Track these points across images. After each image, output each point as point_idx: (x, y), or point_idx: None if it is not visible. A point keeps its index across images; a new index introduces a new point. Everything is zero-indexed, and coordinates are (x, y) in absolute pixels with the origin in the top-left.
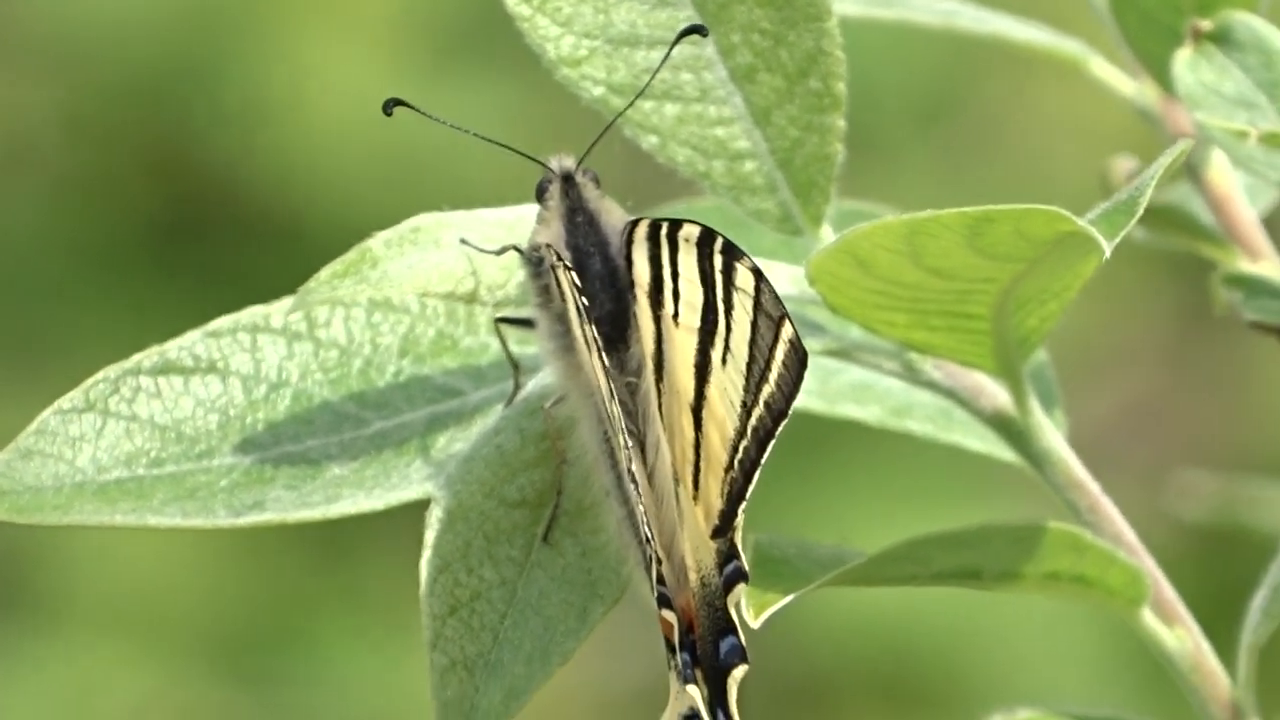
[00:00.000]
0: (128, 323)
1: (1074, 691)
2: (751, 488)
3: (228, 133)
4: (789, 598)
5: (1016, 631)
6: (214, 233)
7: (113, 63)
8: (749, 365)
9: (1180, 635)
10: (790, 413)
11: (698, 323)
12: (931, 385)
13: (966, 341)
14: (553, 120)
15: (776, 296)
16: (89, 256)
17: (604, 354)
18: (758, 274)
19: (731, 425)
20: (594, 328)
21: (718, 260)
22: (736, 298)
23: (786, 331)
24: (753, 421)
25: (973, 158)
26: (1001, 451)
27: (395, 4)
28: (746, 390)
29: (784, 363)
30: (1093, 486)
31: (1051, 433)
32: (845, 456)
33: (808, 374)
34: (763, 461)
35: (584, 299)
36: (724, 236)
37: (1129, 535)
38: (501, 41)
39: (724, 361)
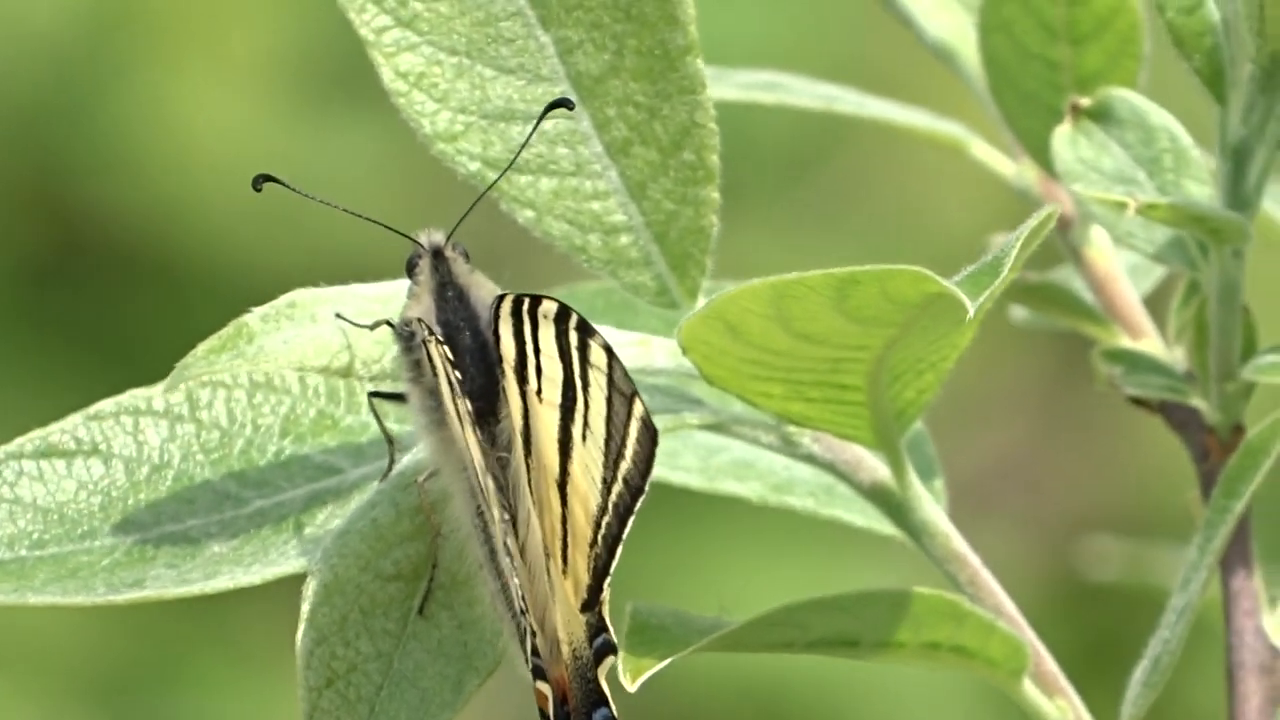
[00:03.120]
0: None
1: None
2: (615, 562)
3: (99, 175)
4: (664, 662)
5: (897, 693)
6: (84, 279)
7: None
8: (607, 442)
9: (1061, 706)
10: (647, 489)
11: (559, 399)
12: (810, 459)
13: (843, 414)
14: (433, 164)
15: (627, 374)
16: None
17: (476, 428)
18: (609, 352)
19: (594, 501)
20: (466, 402)
21: (573, 337)
22: (592, 374)
23: (638, 409)
24: (613, 497)
25: (847, 219)
26: (883, 525)
27: (269, 42)
28: (606, 466)
29: (638, 439)
30: (973, 559)
31: (930, 505)
32: (728, 529)
33: (684, 457)
34: (624, 536)
35: (456, 372)
36: (578, 314)
37: (1009, 606)
38: (378, 80)
39: (584, 438)
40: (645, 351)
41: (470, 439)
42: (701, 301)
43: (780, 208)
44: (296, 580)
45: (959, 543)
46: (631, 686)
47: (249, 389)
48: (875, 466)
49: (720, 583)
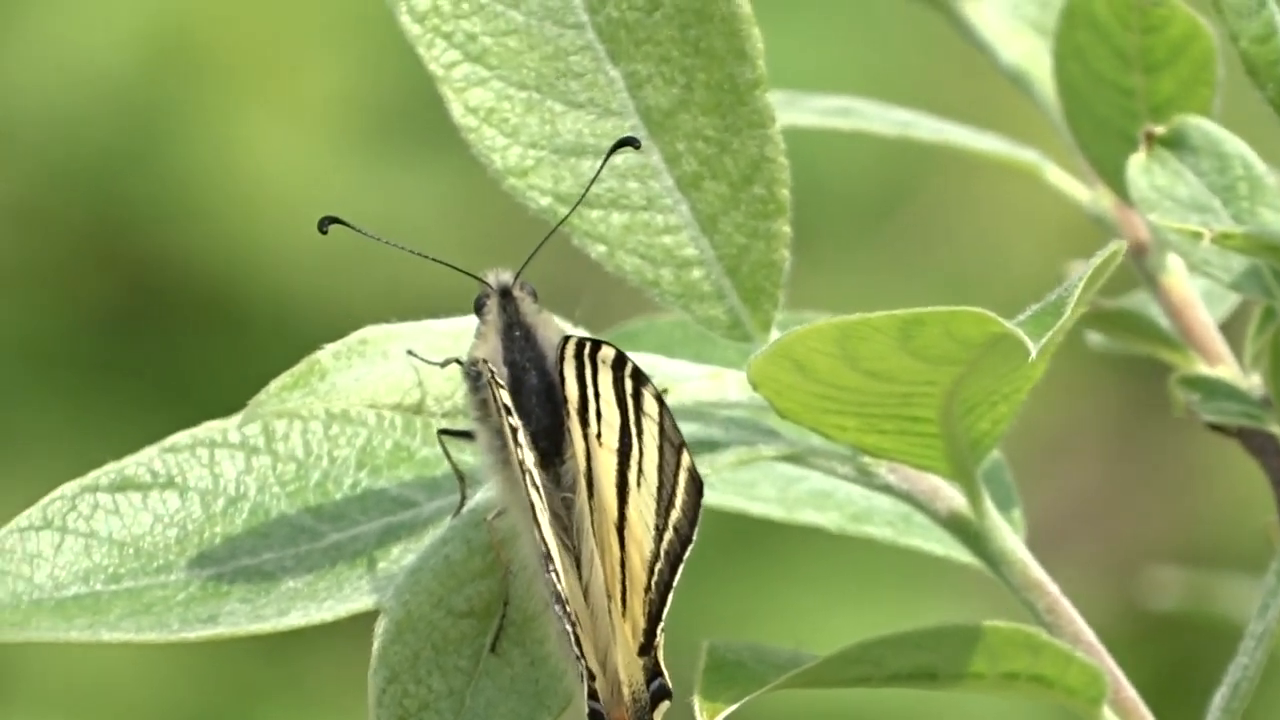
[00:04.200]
0: (66, 421)
1: None
2: (666, 609)
3: (170, 220)
4: (741, 701)
5: (977, 717)
6: (152, 326)
7: (52, 149)
8: (659, 489)
9: None
10: (695, 539)
11: (617, 444)
12: (887, 489)
13: (918, 445)
14: (501, 201)
15: (675, 425)
16: (25, 347)
17: (535, 474)
18: (660, 401)
19: (648, 547)
20: (525, 451)
21: (628, 384)
22: (645, 423)
23: (685, 460)
24: (664, 545)
25: (925, 255)
26: (960, 554)
27: (337, 85)
28: (658, 513)
29: (685, 490)
30: (1051, 587)
31: (1008, 534)
32: (805, 560)
33: (763, 488)
34: (674, 583)
35: (516, 419)
36: (633, 361)
37: (1087, 634)
38: (449, 120)
39: (639, 484)
40: (719, 385)
41: (530, 488)
42: (775, 335)
43: (852, 247)
44: (366, 621)
45: (1036, 570)
46: None
47: (325, 421)
48: (952, 496)
49: (796, 615)
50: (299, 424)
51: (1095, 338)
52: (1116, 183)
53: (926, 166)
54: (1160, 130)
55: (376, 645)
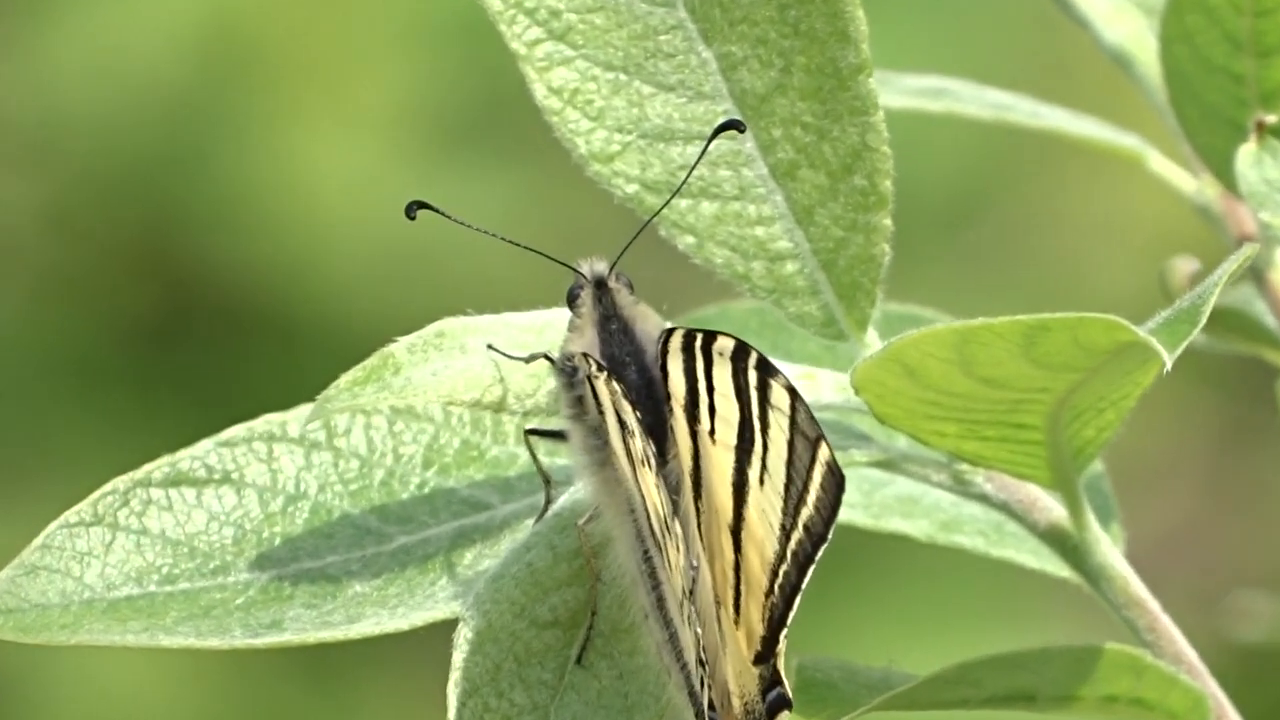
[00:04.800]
0: (106, 435)
1: None
2: (792, 613)
3: (219, 229)
4: None
5: None
6: (201, 336)
7: (98, 155)
8: (787, 486)
9: None
10: (830, 537)
11: (734, 440)
12: (983, 498)
13: (1020, 453)
14: (563, 214)
15: (812, 417)
16: (68, 360)
17: (654, 464)
18: (793, 393)
19: (771, 548)
20: (648, 444)
21: (752, 376)
22: (772, 416)
23: (823, 454)
24: (792, 545)
25: (1005, 259)
26: (1056, 567)
27: (396, 92)
28: (785, 512)
29: (821, 485)
30: (1152, 604)
31: (1108, 548)
32: (893, 573)
33: (847, 493)
34: (803, 587)
35: (632, 412)
36: (758, 352)
37: (1190, 655)
38: (509, 130)
39: (761, 482)
40: (813, 385)
41: (649, 483)
42: (871, 334)
43: (929, 245)
44: (417, 649)
45: (1138, 587)
46: None
47: (389, 416)
48: (1050, 506)
49: (878, 631)
50: (361, 419)
51: (1199, 337)
52: (1224, 173)
53: (1010, 162)
54: (1272, 119)
55: (456, 656)
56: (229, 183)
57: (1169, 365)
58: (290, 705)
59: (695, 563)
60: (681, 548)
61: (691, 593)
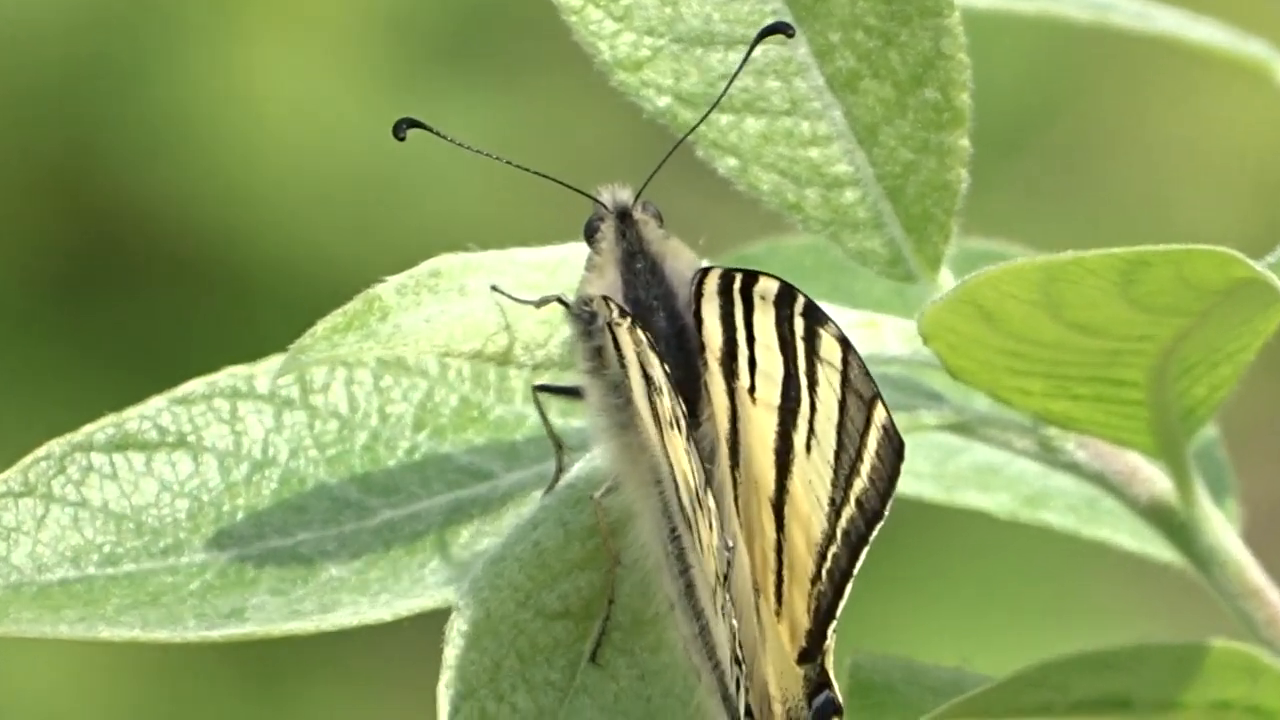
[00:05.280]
0: (24, 394)
1: None
2: (843, 602)
3: (152, 157)
4: None
5: None
6: (131, 284)
7: (11, 71)
8: (837, 454)
9: None
10: (886, 514)
11: (777, 399)
12: (1074, 468)
13: (1118, 414)
14: (560, 144)
15: (867, 372)
16: None
17: (684, 428)
18: (845, 344)
19: (818, 527)
20: (678, 402)
21: (798, 324)
22: (821, 371)
23: (879, 416)
24: (843, 523)
25: (1073, 191)
26: (1159, 549)
27: (357, 3)
28: (835, 484)
29: (877, 453)
30: (1272, 594)
31: (1221, 527)
32: (967, 556)
33: (915, 461)
34: (855, 571)
35: (660, 366)
36: (805, 296)
37: None
38: (488, 46)
39: (808, 448)
40: (874, 335)
41: (679, 448)
42: (945, 274)
43: (999, 172)
44: (380, 650)
45: (1256, 574)
46: None
47: (374, 369)
48: (1154, 478)
49: (949, 624)
50: (341, 373)
51: None
52: None
53: (1081, 75)
54: None
55: (449, 652)
56: (163, 105)
57: None
58: (227, 712)
59: (731, 543)
60: (715, 525)
61: (726, 578)
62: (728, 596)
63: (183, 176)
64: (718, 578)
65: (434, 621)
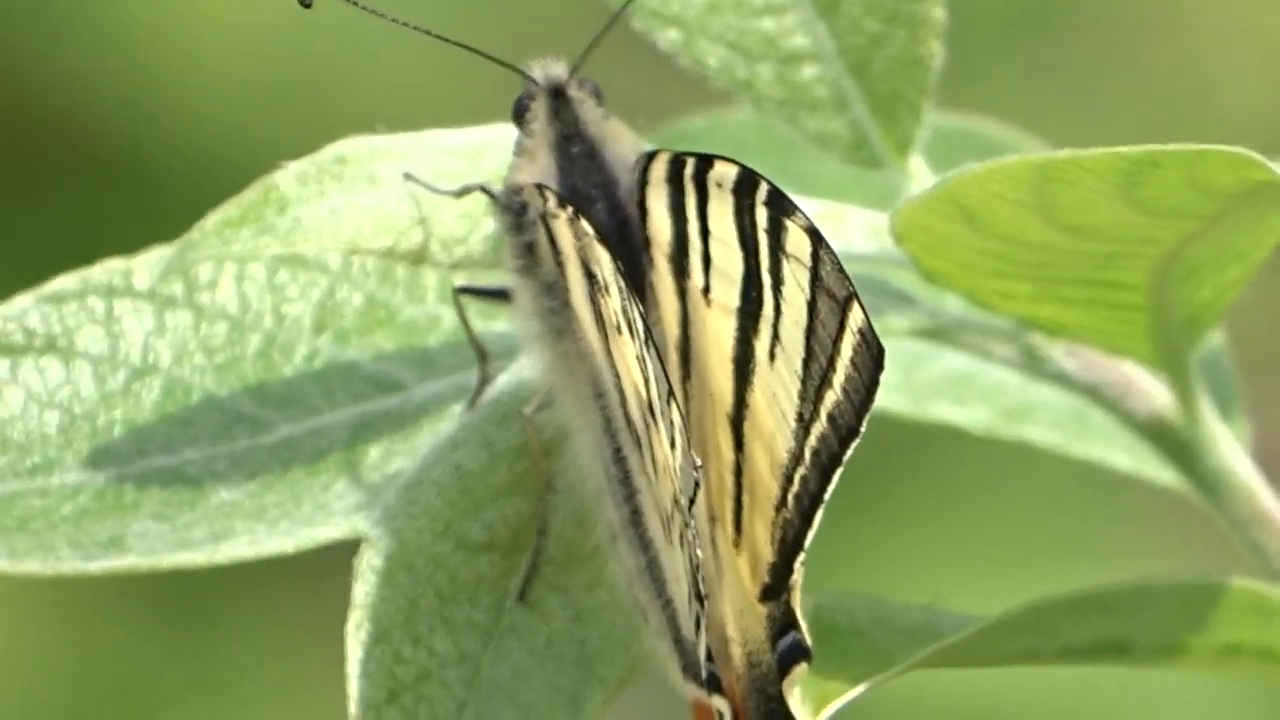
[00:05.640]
0: None
1: None
2: (812, 533)
3: (51, 36)
4: (861, 687)
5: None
6: (30, 173)
7: None
8: (806, 363)
9: None
10: (863, 430)
11: (736, 301)
12: (1061, 379)
13: (1113, 320)
14: (502, 20)
15: (841, 269)
16: None
17: (650, 344)
18: (815, 238)
19: (784, 446)
20: (634, 304)
21: (761, 215)
22: (787, 269)
23: (855, 319)
24: (812, 441)
25: (1088, 73)
26: (1158, 471)
27: None
28: (803, 398)
29: (853, 361)
30: None
31: (1229, 446)
32: (939, 478)
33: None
34: (826, 497)
35: (608, 259)
36: (770, 182)
37: None
38: None
39: (772, 356)
40: (838, 229)
41: (629, 356)
42: (915, 161)
43: (1004, 54)
44: (339, 552)
45: (1268, 499)
46: (800, 716)
47: (268, 264)
48: (1152, 391)
49: (926, 560)
50: (231, 268)
51: None
52: None
53: None
54: None
55: (358, 589)
56: None
57: None
58: (132, 654)
59: (699, 461)
60: (680, 441)
61: (693, 502)
62: (692, 524)
63: (83, 60)
64: (676, 502)
65: (345, 555)
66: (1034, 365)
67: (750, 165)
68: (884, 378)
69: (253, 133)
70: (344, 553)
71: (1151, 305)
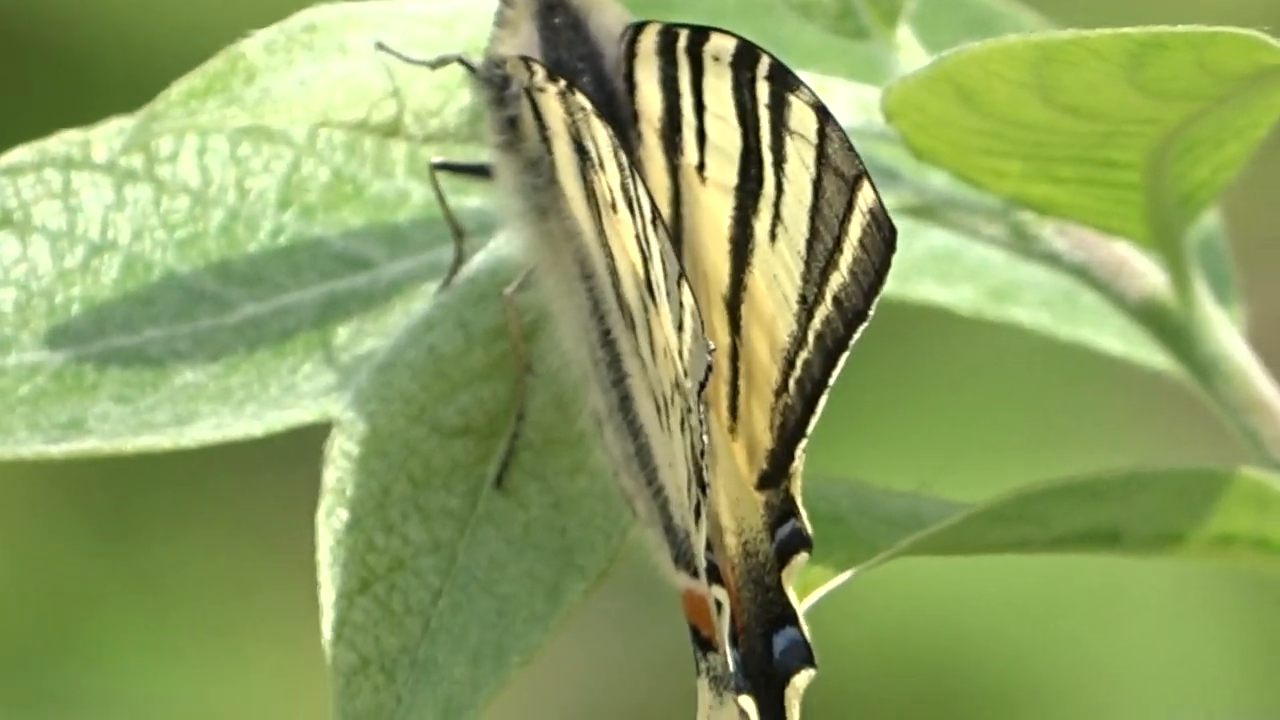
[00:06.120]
0: None
1: (1221, 706)
2: (815, 419)
3: None
4: (845, 575)
5: (1131, 623)
6: None
7: None
8: (810, 243)
9: None
10: (871, 313)
11: (734, 179)
12: (1051, 258)
13: (1107, 198)
14: None
15: (850, 147)
16: None
17: (660, 223)
18: (822, 113)
19: (785, 329)
20: (635, 178)
21: (762, 90)
22: (791, 146)
23: (865, 198)
24: (816, 324)
25: None
26: (1151, 354)
27: None
28: (807, 279)
29: (861, 242)
30: None
31: (1225, 330)
32: (923, 360)
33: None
34: (831, 382)
35: (605, 129)
36: (772, 56)
37: None
38: None
39: (773, 236)
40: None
41: (627, 235)
42: (903, 32)
43: None
44: (299, 444)
45: (1264, 385)
46: (800, 607)
47: (231, 136)
48: (1146, 271)
49: (911, 446)
50: (193, 141)
51: None
52: None
53: None
54: None
55: (328, 474)
56: None
57: None
58: (79, 566)
59: (713, 345)
60: (690, 324)
61: (703, 385)
62: (701, 406)
63: None
64: (677, 386)
65: (315, 439)
66: (1023, 244)
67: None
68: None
69: (179, 19)
70: (279, 448)
71: (1147, 184)
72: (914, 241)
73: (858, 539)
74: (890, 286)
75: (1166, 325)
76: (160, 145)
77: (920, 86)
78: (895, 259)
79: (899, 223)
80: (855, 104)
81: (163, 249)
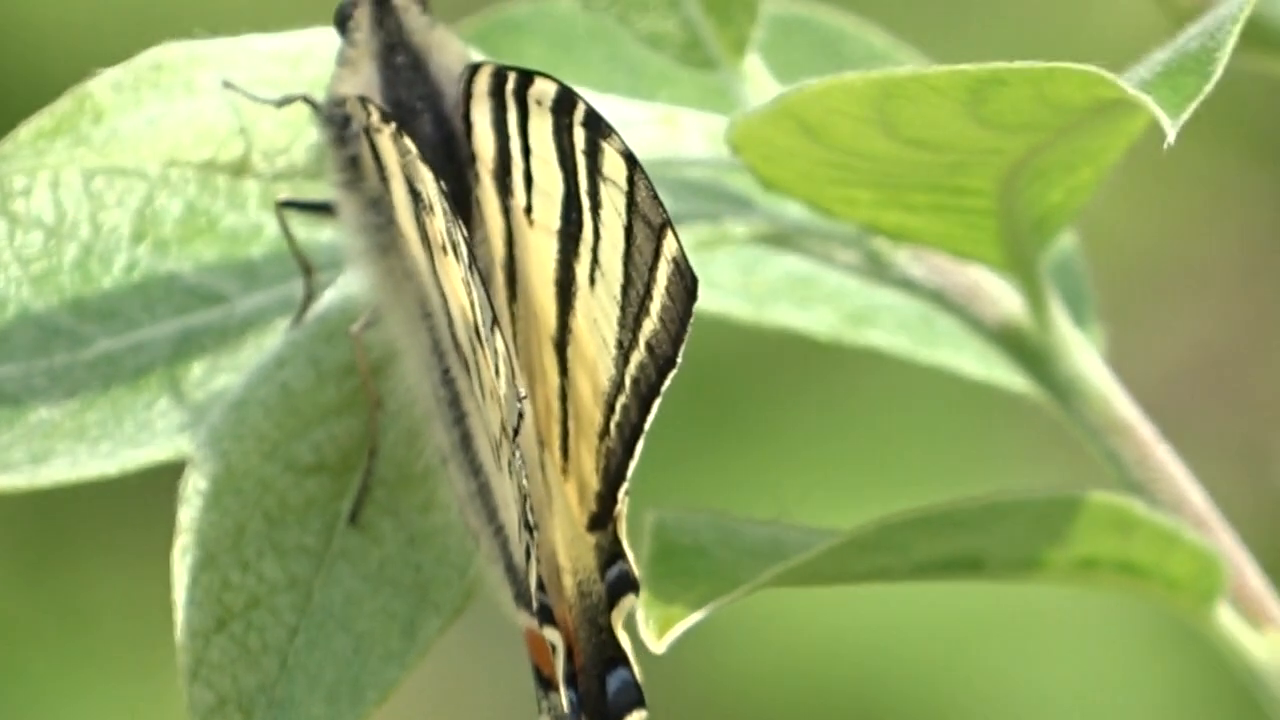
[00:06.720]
0: None
1: None
2: (634, 461)
3: None
4: (703, 611)
5: (1036, 641)
6: None
7: None
8: (624, 289)
9: (1273, 641)
10: (679, 361)
11: (557, 222)
12: (907, 284)
13: (960, 224)
14: None
15: (655, 196)
16: None
17: (473, 265)
18: (630, 161)
19: (605, 373)
20: (458, 226)
21: (579, 136)
22: (605, 192)
23: (669, 247)
24: (632, 369)
25: None
26: (1011, 377)
27: None
28: (623, 325)
29: (668, 290)
30: (1144, 431)
31: (1083, 352)
32: (783, 389)
33: (709, 274)
34: (646, 427)
35: (430, 176)
36: (587, 103)
37: (1196, 501)
38: None
39: (592, 280)
40: (673, 134)
41: (455, 278)
42: (751, 60)
43: None
44: (153, 482)
45: (1123, 407)
46: (659, 645)
47: (84, 172)
48: (1002, 296)
49: (772, 477)
50: (45, 174)
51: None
52: None
53: None
54: None
55: (183, 513)
56: None
57: (1172, 137)
58: None
59: (524, 392)
60: (504, 370)
61: (517, 432)
62: (518, 452)
63: None
64: (504, 430)
65: (170, 477)
66: (878, 270)
67: (572, 52)
68: (720, 279)
69: (59, 37)
70: (164, 475)
71: (999, 209)
72: (770, 264)
73: (721, 571)
74: (747, 310)
75: (1024, 348)
76: (14, 180)
77: (763, 123)
78: (751, 282)
79: (752, 251)
80: (706, 134)
81: (17, 284)
